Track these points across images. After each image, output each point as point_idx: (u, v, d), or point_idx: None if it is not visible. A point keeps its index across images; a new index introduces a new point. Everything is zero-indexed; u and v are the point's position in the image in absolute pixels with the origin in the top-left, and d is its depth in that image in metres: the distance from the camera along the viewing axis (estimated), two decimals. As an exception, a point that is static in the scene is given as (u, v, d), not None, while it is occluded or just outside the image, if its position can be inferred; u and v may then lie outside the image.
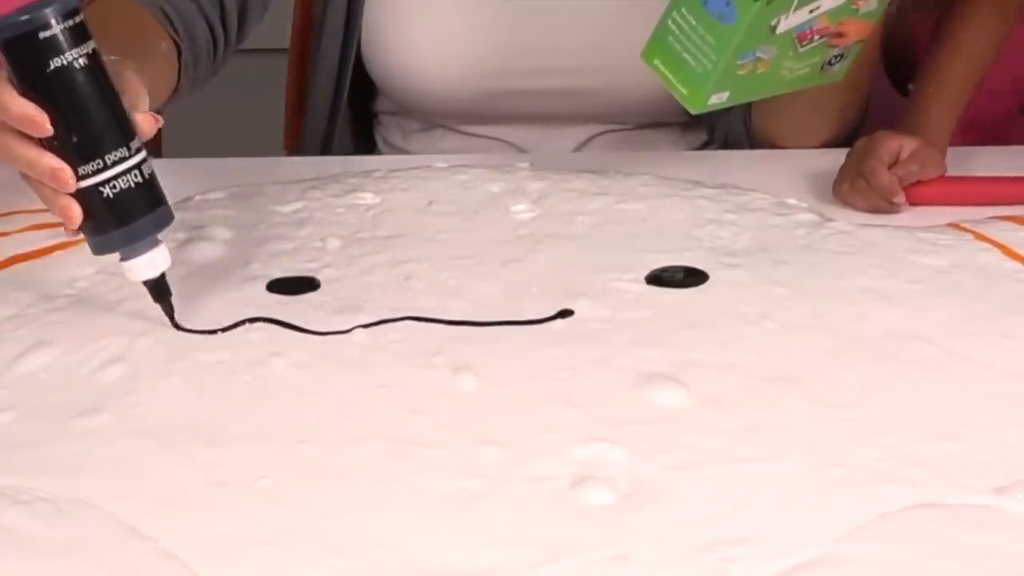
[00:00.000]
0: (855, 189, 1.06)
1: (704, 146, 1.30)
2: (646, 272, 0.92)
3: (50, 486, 0.70)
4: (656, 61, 0.97)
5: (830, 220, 1.01)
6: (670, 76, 0.96)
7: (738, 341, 0.85)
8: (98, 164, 0.80)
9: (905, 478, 0.71)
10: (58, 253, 0.94)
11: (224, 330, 0.85)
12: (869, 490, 0.70)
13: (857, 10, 0.97)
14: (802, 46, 0.97)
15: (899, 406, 0.78)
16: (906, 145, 1.06)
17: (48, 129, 0.79)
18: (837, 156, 1.09)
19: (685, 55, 0.94)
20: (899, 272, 0.93)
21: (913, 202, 1.05)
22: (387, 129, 1.33)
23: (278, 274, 0.92)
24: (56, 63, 0.78)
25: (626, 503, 0.69)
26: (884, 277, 0.92)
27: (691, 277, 0.92)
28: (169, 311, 0.85)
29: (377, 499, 0.70)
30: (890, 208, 1.04)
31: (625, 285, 0.91)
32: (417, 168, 1.10)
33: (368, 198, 1.04)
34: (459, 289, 0.91)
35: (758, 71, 0.96)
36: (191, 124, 1.55)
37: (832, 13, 0.96)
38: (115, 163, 0.80)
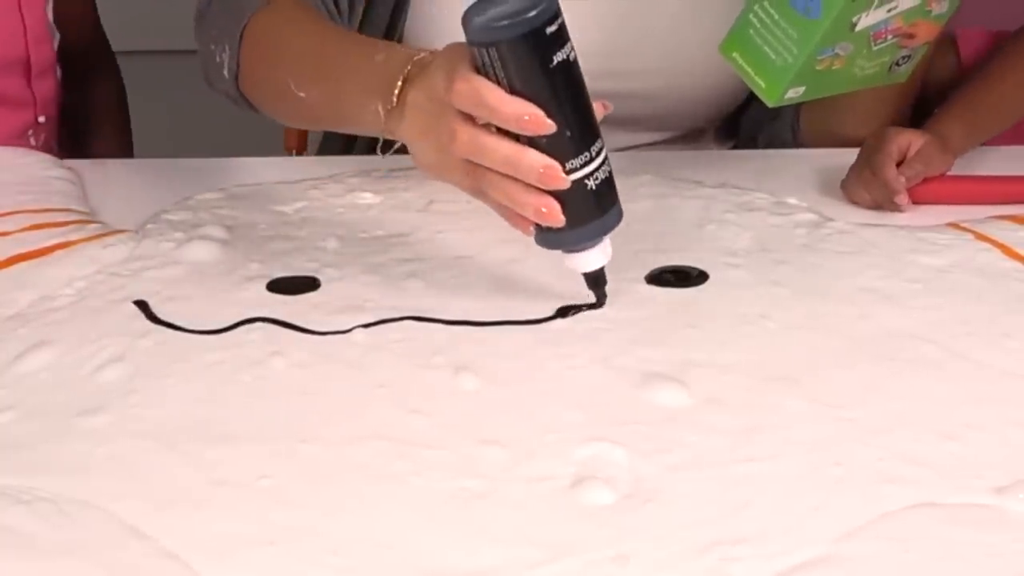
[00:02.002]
0: (861, 180, 1.05)
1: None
2: (646, 272, 0.92)
3: (50, 486, 0.70)
4: (735, 54, 0.97)
5: (830, 220, 1.01)
6: (748, 69, 0.97)
7: (738, 341, 0.85)
8: (586, 156, 0.79)
9: (905, 478, 0.71)
10: (58, 253, 0.94)
11: (224, 330, 0.85)
12: (869, 490, 0.70)
13: (930, 12, 0.98)
14: (876, 44, 0.98)
15: (899, 406, 0.78)
16: (914, 142, 1.06)
17: (551, 127, 0.77)
18: (837, 156, 1.09)
19: (766, 48, 0.95)
20: (899, 272, 0.93)
21: (915, 200, 1.05)
22: None
23: (278, 274, 0.92)
24: (559, 57, 0.76)
25: (626, 503, 0.69)
26: (884, 277, 0.92)
27: (692, 277, 0.92)
28: (603, 299, 0.86)
29: (377, 499, 0.70)
30: (892, 207, 1.04)
31: (625, 285, 0.91)
32: (417, 168, 1.09)
33: (368, 198, 1.04)
34: (459, 289, 0.91)
35: (834, 67, 0.97)
36: (192, 124, 1.55)
37: (907, 14, 0.97)
38: (597, 153, 0.79)
